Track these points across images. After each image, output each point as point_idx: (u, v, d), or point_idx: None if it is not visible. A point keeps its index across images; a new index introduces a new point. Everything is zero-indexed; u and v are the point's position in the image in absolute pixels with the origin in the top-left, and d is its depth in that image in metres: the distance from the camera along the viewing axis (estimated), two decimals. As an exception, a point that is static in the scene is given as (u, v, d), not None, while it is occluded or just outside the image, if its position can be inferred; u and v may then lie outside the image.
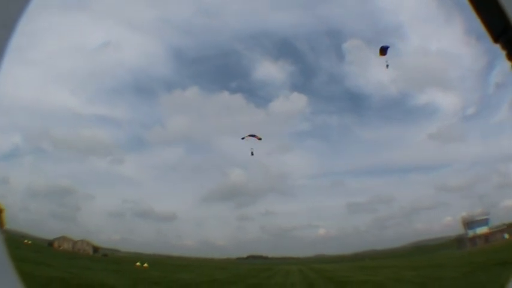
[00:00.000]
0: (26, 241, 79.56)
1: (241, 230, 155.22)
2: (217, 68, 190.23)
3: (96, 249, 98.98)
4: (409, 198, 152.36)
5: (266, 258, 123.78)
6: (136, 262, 78.60)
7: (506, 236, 77.41)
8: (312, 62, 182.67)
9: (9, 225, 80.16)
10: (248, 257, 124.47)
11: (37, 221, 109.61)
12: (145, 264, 77.06)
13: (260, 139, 77.01)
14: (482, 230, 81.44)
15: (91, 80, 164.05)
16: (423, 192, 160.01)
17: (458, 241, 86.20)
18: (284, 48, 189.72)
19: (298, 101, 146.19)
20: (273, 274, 69.75)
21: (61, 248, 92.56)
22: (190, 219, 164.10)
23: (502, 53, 5.37)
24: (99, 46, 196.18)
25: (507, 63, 5.44)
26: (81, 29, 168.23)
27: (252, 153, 77.26)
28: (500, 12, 4.98)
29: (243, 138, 76.82)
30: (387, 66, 60.31)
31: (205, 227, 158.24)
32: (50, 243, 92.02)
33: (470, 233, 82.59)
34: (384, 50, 56.47)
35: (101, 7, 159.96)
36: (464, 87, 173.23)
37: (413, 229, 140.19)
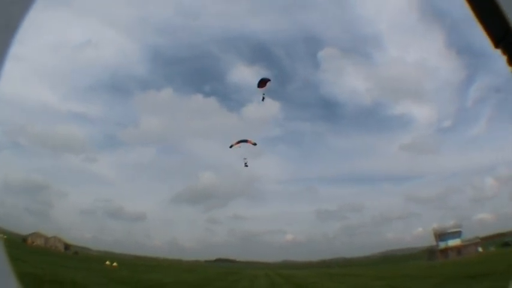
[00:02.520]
0: (1, 235, 77.72)
1: (209, 232, 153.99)
2: (193, 70, 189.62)
3: (67, 246, 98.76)
4: (380, 208, 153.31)
5: (234, 261, 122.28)
6: (106, 261, 78.64)
7: (480, 249, 77.27)
8: (287, 68, 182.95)
9: None
10: (216, 260, 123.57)
11: (12, 215, 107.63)
12: (115, 264, 76.89)
13: (255, 144, 66.03)
14: (454, 242, 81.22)
15: (69, 77, 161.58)
16: (394, 202, 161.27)
17: (429, 252, 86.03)
18: (260, 53, 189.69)
19: (272, 106, 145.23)
20: (240, 278, 69.44)
21: (34, 244, 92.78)
22: (160, 220, 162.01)
23: (503, 58, 5.17)
24: (78, 43, 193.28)
25: (508, 68, 5.19)
26: (61, 25, 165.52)
27: (246, 165, 66.09)
28: (501, 16, 4.90)
29: (231, 147, 63.98)
30: (263, 99, 58.74)
31: (175, 229, 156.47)
32: (24, 239, 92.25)
33: (442, 244, 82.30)
34: (263, 83, 54.62)
35: (82, 4, 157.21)
36: (441, 99, 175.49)
37: (384, 238, 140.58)
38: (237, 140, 64.03)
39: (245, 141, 64.32)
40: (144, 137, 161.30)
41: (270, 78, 61.35)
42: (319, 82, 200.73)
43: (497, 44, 5.18)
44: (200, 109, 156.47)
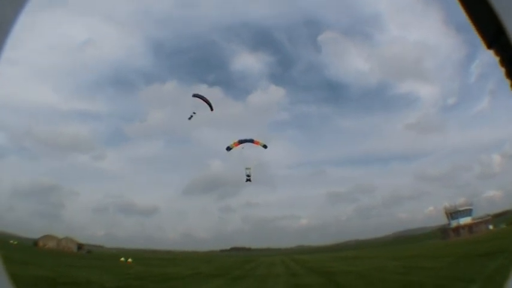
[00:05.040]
0: (11, 241, 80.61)
1: (223, 221, 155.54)
2: (196, 60, 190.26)
3: (80, 246, 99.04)
4: (390, 188, 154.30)
5: (249, 249, 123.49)
6: (121, 258, 78.91)
7: (491, 226, 77.83)
8: (290, 52, 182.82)
9: None
10: (231, 249, 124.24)
11: (22, 220, 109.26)
12: (130, 260, 77.09)
13: (265, 147, 53.59)
14: (465, 220, 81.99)
15: (71, 76, 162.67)
16: (404, 181, 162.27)
17: (442, 231, 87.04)
18: (262, 39, 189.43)
19: (277, 91, 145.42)
20: (256, 266, 70.08)
21: (46, 246, 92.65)
22: (173, 212, 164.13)
23: (496, 59, 5.11)
24: (79, 41, 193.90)
25: (501, 69, 5.14)
26: (61, 25, 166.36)
27: (249, 178, 53.04)
28: (493, 17, 4.80)
29: (228, 149, 51.54)
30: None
31: (188, 220, 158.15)
32: (35, 243, 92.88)
33: (454, 223, 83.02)
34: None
35: (80, 3, 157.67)
36: (444, 77, 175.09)
37: (396, 219, 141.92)
38: (236, 140, 52.29)
39: (250, 141, 52.07)
40: (151, 131, 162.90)
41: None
42: (323, 65, 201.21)
43: (489, 45, 5.20)
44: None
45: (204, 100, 52.91)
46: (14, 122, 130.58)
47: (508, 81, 5.10)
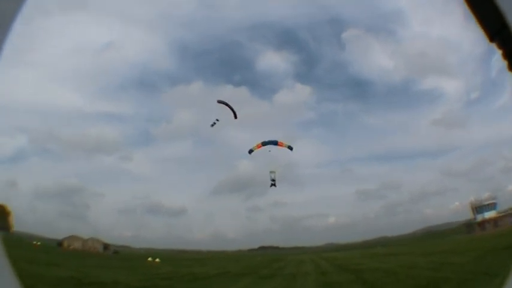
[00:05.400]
0: (35, 243, 79.82)
1: (251, 221, 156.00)
2: (221, 61, 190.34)
3: (106, 246, 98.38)
4: (416, 184, 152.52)
5: (277, 248, 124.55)
6: (148, 258, 78.90)
7: (515, 220, 77.47)
8: (314, 51, 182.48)
9: (18, 227, 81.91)
10: (259, 248, 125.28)
11: (46, 221, 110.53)
12: (157, 260, 77.33)
13: (291, 148, 49.77)
14: (490, 214, 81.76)
15: (95, 78, 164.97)
16: (430, 177, 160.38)
17: (467, 226, 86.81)
18: (286, 38, 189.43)
19: (303, 90, 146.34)
20: (285, 264, 69.79)
21: (71, 247, 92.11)
22: (200, 213, 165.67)
23: (498, 52, 5.40)
24: (102, 44, 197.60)
25: (503, 61, 5.50)
26: (84, 27, 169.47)
27: (274, 183, 49.69)
28: (495, 11, 5.01)
29: (250, 152, 49.13)
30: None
31: (216, 220, 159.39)
32: (59, 243, 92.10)
33: (479, 217, 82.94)
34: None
35: (102, 5, 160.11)
36: (466, 72, 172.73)
37: (423, 215, 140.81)
38: (259, 142, 49.07)
39: (274, 143, 48.61)
40: (178, 132, 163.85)
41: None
42: (347, 62, 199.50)
43: (492, 38, 5.36)
44: (231, 99, 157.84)
45: (228, 107, 50.53)
46: (36, 125, 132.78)
47: (511, 74, 5.46)
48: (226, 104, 50.91)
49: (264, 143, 48.45)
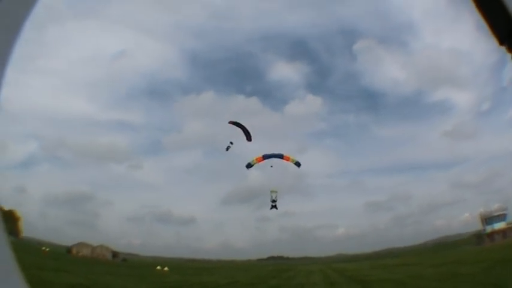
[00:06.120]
0: (44, 248, 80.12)
1: (260, 231, 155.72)
2: (232, 71, 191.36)
3: (115, 254, 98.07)
4: (426, 196, 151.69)
5: (287, 258, 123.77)
6: (157, 266, 79.20)
7: (525, 231, 77.02)
8: (326, 61, 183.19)
9: (28, 233, 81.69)
10: (268, 258, 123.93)
11: (55, 228, 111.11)
12: (166, 268, 77.61)
13: (298, 165, 44.63)
14: (500, 225, 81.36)
15: (107, 87, 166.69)
16: (440, 189, 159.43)
17: (477, 237, 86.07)
18: (298, 49, 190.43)
19: (314, 101, 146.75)
20: (294, 275, 69.70)
21: (80, 254, 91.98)
22: (210, 222, 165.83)
23: (508, 56, 5.34)
24: (114, 52, 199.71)
25: None
26: (95, 36, 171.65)
27: (274, 205, 43.00)
28: (505, 14, 4.97)
29: (249, 166, 43.08)
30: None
31: (225, 230, 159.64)
32: (68, 250, 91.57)
33: (488, 228, 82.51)
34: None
35: (114, 14, 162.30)
36: (477, 83, 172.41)
37: (432, 226, 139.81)
38: (260, 155, 43.02)
39: (279, 156, 42.39)
40: (188, 141, 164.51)
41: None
42: (359, 74, 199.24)
43: (501, 41, 5.26)
44: (243, 110, 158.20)
45: (241, 128, 45.28)
46: (47, 132, 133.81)
47: None
48: (239, 125, 46.08)
49: (266, 156, 42.03)
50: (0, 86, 4.32)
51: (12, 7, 4.30)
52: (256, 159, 42.68)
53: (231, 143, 48.13)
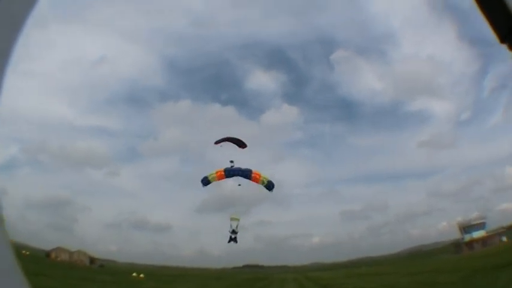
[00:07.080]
0: (24, 252, 77.51)
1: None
2: (210, 79, 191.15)
3: (92, 260, 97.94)
4: (403, 205, 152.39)
5: (262, 267, 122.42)
6: (133, 273, 78.23)
7: (504, 238, 76.56)
8: (303, 71, 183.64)
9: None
10: (244, 266, 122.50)
11: (35, 231, 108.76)
12: (142, 275, 76.37)
13: (269, 188, 32.39)
14: (479, 234, 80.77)
15: (87, 92, 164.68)
16: (417, 198, 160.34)
17: (455, 246, 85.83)
18: (275, 58, 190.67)
19: (291, 110, 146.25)
20: (268, 283, 69.22)
21: (58, 258, 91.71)
22: (186, 230, 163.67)
23: (509, 54, 5.05)
24: (94, 58, 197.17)
25: None
26: (77, 41, 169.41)
27: (233, 238, 30.95)
28: (506, 11, 4.84)
29: (205, 183, 31.63)
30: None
31: (201, 237, 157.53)
32: (47, 254, 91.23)
33: (467, 237, 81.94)
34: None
35: (97, 20, 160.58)
36: (457, 92, 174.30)
37: (409, 235, 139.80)
38: (221, 169, 32.98)
39: (244, 174, 31.84)
40: (165, 149, 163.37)
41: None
42: (336, 83, 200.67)
43: (502, 39, 5.18)
44: (219, 118, 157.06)
45: (230, 141, 37.57)
46: (27, 135, 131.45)
47: None
48: (226, 139, 39.87)
49: (229, 172, 31.28)
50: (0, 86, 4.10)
51: (12, 7, 4.22)
52: (217, 173, 31.41)
53: (231, 161, 41.56)
